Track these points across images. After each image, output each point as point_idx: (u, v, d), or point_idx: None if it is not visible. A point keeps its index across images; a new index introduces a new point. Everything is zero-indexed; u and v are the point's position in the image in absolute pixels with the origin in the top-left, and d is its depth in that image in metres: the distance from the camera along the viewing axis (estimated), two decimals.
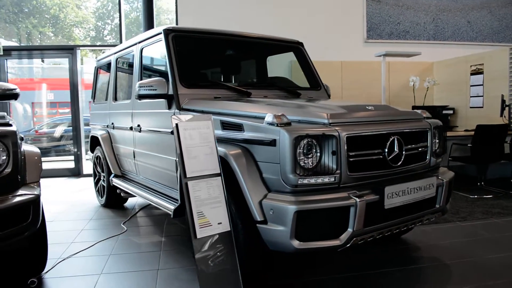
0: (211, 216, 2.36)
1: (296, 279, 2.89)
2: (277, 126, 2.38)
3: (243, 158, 2.50)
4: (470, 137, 5.42)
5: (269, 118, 2.44)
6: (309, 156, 2.37)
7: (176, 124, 2.36)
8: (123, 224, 4.37)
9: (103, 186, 5.12)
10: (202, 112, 3.10)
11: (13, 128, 2.55)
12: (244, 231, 2.50)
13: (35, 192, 2.58)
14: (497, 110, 6.49)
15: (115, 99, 4.82)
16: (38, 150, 2.89)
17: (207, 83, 3.76)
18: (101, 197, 5.20)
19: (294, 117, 2.56)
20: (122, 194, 4.75)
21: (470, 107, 7.18)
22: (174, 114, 3.34)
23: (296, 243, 2.28)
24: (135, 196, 4.59)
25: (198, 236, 2.30)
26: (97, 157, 5.24)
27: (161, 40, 3.63)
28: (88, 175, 7.37)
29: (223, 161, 2.55)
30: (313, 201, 2.31)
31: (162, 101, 3.45)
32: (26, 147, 2.85)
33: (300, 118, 2.57)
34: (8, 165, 2.46)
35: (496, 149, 5.27)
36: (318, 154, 2.40)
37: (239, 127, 2.66)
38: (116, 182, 4.64)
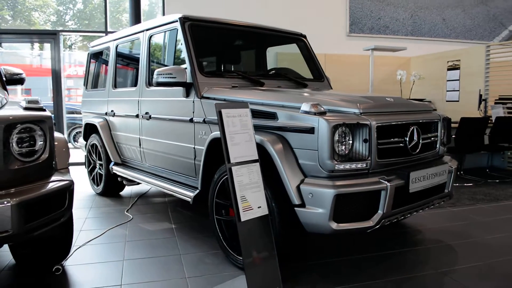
0: (252, 200, 2.46)
1: (304, 261, 3.04)
2: (315, 114, 2.50)
3: (280, 145, 2.61)
4: (452, 128, 5.76)
5: (305, 107, 2.56)
6: (344, 143, 2.51)
7: (220, 111, 2.43)
8: (127, 212, 4.36)
9: (100, 174, 5.06)
10: (225, 100, 3.17)
11: (48, 113, 2.53)
12: (280, 214, 2.62)
13: (69, 178, 2.58)
14: (472, 104, 6.92)
15: (115, 86, 4.77)
16: (65, 136, 2.87)
17: (222, 72, 3.82)
18: (97, 185, 5.14)
19: (326, 107, 2.69)
20: (124, 182, 4.72)
21: (447, 101, 7.60)
22: (193, 102, 3.39)
23: (334, 225, 2.43)
24: (138, 183, 4.59)
25: (242, 219, 2.39)
26: (93, 145, 5.16)
27: (175, 28, 3.64)
28: (72, 164, 7.20)
29: (258, 148, 2.64)
30: (350, 185, 2.46)
31: (179, 89, 3.48)
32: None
33: (331, 108, 2.71)
34: (45, 151, 2.45)
35: (478, 140, 5.64)
36: (351, 141, 2.54)
37: (272, 116, 2.76)
38: (118, 170, 4.61)
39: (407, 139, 2.84)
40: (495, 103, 6.92)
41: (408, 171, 2.68)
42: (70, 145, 7.37)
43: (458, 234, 3.62)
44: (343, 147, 2.51)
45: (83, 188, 5.45)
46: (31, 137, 2.40)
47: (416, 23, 8.74)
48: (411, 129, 2.86)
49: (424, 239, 3.54)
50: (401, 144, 2.83)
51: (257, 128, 2.78)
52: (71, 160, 6.98)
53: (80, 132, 9.44)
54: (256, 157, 2.55)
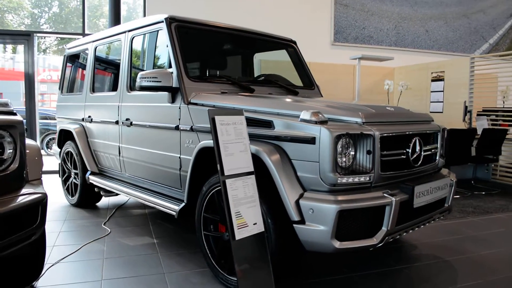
0: (247, 216, 2.25)
1: (296, 280, 2.84)
2: (315, 123, 2.32)
3: (277, 155, 2.41)
4: None
5: (305, 115, 2.38)
6: (346, 155, 2.33)
7: (213, 118, 2.21)
8: (104, 225, 4.07)
9: (75, 184, 4.74)
10: (214, 107, 2.96)
11: (19, 117, 2.26)
12: (276, 231, 2.41)
13: (41, 191, 2.31)
14: (456, 115, 6.91)
15: (93, 90, 4.49)
16: (37, 143, 2.59)
17: (210, 77, 3.61)
18: (72, 196, 4.82)
19: (327, 116, 2.51)
20: (102, 193, 4.42)
21: (430, 112, 7.56)
22: (180, 108, 3.16)
23: (337, 244, 2.23)
24: (117, 194, 4.31)
25: (237, 237, 2.17)
26: (68, 153, 4.84)
27: (161, 29, 3.42)
28: (45, 172, 6.80)
29: (253, 159, 2.43)
30: (353, 200, 2.27)
31: (164, 94, 3.25)
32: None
33: (331, 116, 2.53)
34: (15, 160, 2.18)
35: (465, 152, 5.59)
36: (353, 153, 2.37)
37: (267, 124, 2.56)
38: (95, 180, 4.31)
39: (410, 150, 2.69)
40: (478, 114, 6.93)
41: (413, 185, 2.52)
42: (43, 152, 6.99)
43: (454, 249, 3.49)
44: (346, 159, 2.34)
45: (57, 198, 5.10)
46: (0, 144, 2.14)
47: (399, 33, 8.75)
48: (413, 140, 2.71)
49: (420, 254, 3.39)
50: (403, 156, 2.67)
51: (251, 138, 2.57)
52: (43, 169, 6.61)
53: (53, 138, 9.02)
54: (251, 169, 2.35)
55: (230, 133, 2.28)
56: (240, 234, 2.19)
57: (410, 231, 2.66)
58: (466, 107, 6.35)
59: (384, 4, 8.58)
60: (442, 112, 7.34)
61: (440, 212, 2.98)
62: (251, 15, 7.71)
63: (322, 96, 4.27)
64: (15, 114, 2.28)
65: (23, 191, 2.24)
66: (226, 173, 2.20)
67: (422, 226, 2.80)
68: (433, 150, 2.99)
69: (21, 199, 2.13)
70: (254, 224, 2.27)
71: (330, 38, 8.30)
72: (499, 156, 6.13)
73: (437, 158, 3.05)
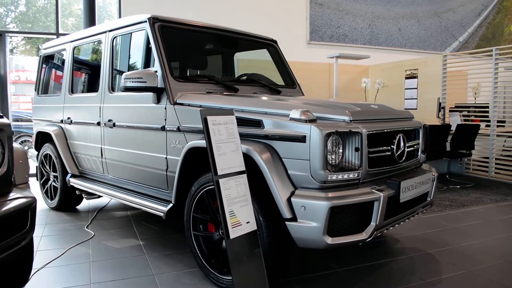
0: (241, 215, 2.27)
1: (284, 277, 2.89)
2: (306, 122, 2.36)
3: (268, 154, 2.44)
4: None
5: (295, 114, 2.41)
6: (336, 152, 2.39)
7: (205, 119, 2.22)
8: (87, 228, 4.00)
9: (55, 187, 4.64)
10: (200, 107, 2.96)
11: (6, 120, 2.21)
12: (268, 229, 2.44)
13: (30, 194, 2.26)
14: (430, 111, 7.11)
15: (72, 91, 4.40)
16: (23, 147, 2.53)
17: (195, 76, 3.60)
18: (51, 199, 4.71)
19: (315, 114, 2.55)
20: (83, 195, 4.34)
21: (405, 109, 7.76)
22: (165, 108, 3.15)
23: (329, 239, 2.28)
24: (99, 196, 4.25)
25: (231, 236, 2.19)
26: (46, 155, 4.73)
27: (143, 29, 3.39)
28: None
29: (244, 158, 2.45)
30: (344, 197, 2.33)
31: (149, 94, 3.23)
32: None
33: (319, 115, 2.57)
34: (3, 164, 2.13)
35: (440, 147, 5.77)
36: (341, 150, 2.42)
37: (256, 123, 2.58)
38: (76, 182, 4.23)
39: (394, 147, 2.77)
40: (451, 111, 7.16)
41: (399, 180, 2.60)
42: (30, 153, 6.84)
43: (435, 242, 3.61)
44: (335, 156, 2.39)
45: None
46: None
47: (373, 32, 8.93)
48: (397, 137, 2.79)
49: (404, 248, 3.49)
50: (388, 153, 2.75)
51: (241, 137, 2.58)
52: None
53: (26, 141, 8.78)
54: (243, 168, 2.37)
55: (222, 133, 2.29)
56: (234, 233, 2.21)
57: (396, 225, 2.74)
58: (440, 104, 6.55)
59: (358, 3, 8.74)
60: (416, 109, 7.54)
61: (423, 206, 3.08)
62: (228, 17, 7.70)
63: (303, 95, 4.33)
64: (1, 117, 2.22)
65: (11, 195, 2.19)
66: (219, 173, 2.22)
67: (406, 220, 2.89)
68: (415, 146, 3.08)
69: (10, 204, 2.09)
70: (247, 222, 2.30)
71: (306, 37, 8.38)
72: (472, 151, 6.35)
73: (419, 153, 3.15)
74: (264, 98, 3.06)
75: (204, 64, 4.06)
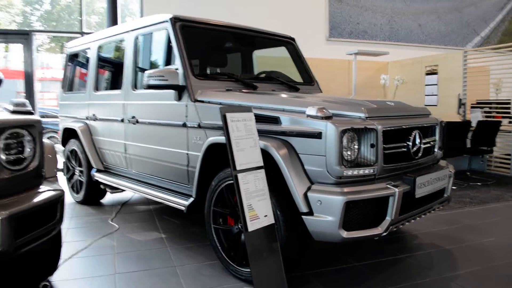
0: (259, 209, 2.35)
1: (302, 270, 2.96)
2: (322, 119, 2.42)
3: (285, 150, 2.51)
4: None
5: (311, 111, 2.48)
6: (351, 148, 2.44)
7: (224, 115, 2.31)
8: (111, 221, 4.15)
9: (80, 181, 4.81)
10: (220, 104, 3.05)
11: (37, 117, 2.34)
12: (285, 223, 2.51)
13: (58, 187, 2.39)
14: (450, 108, 7.05)
15: (97, 89, 4.55)
16: (52, 143, 2.67)
17: (215, 74, 3.69)
18: (77, 193, 4.89)
19: (330, 111, 2.61)
20: (107, 190, 4.50)
21: (425, 105, 7.70)
22: (186, 105, 3.25)
23: (344, 233, 2.34)
24: (122, 191, 4.39)
25: (250, 229, 2.28)
26: (72, 151, 4.91)
27: (165, 29, 3.50)
28: None
29: (262, 154, 2.53)
30: (359, 192, 2.39)
31: (170, 92, 3.33)
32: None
33: (335, 112, 2.63)
34: (35, 158, 2.26)
35: (460, 144, 5.73)
36: (357, 147, 2.48)
37: (274, 120, 2.66)
38: (101, 177, 4.39)
39: (410, 143, 2.80)
40: (472, 107, 7.08)
41: (415, 176, 2.64)
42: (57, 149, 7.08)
43: (453, 238, 3.62)
44: (351, 152, 2.44)
45: None
46: (19, 143, 2.21)
47: (393, 28, 8.87)
48: (413, 134, 2.82)
49: (421, 244, 3.52)
50: (404, 149, 2.79)
51: (259, 133, 2.66)
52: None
53: (52, 136, 9.05)
54: (261, 163, 2.45)
55: (241, 129, 2.37)
56: (252, 226, 2.29)
57: (412, 220, 2.78)
58: (460, 100, 6.48)
59: None
60: (436, 106, 7.48)
61: (440, 202, 3.11)
62: (247, 14, 7.77)
63: (321, 92, 4.37)
64: (33, 113, 2.36)
65: (41, 188, 2.32)
66: (238, 168, 2.30)
67: (423, 216, 2.93)
68: (432, 143, 3.11)
69: (42, 196, 2.21)
70: (265, 216, 2.38)
71: (325, 33, 8.39)
72: (493, 148, 6.28)
73: (435, 150, 3.17)
74: (281, 95, 3.13)
75: (223, 62, 4.15)
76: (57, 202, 2.30)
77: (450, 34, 9.32)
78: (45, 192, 2.27)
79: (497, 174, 6.60)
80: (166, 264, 3.06)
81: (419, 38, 9.10)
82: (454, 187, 5.58)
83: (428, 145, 3.05)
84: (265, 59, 5.73)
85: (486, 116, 6.80)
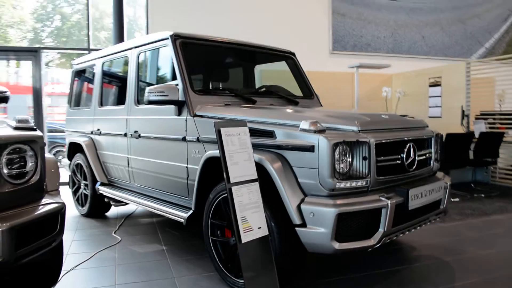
0: (252, 221, 2.40)
1: (299, 281, 2.99)
2: (314, 132, 2.48)
3: (279, 163, 2.57)
4: None
5: (305, 125, 2.54)
6: (344, 161, 2.49)
7: (219, 130, 2.38)
8: (114, 233, 4.22)
9: (85, 194, 4.91)
10: (218, 118, 3.13)
11: (39, 132, 2.44)
12: (280, 234, 2.56)
13: (60, 200, 2.47)
14: (454, 119, 7.06)
15: (101, 104, 4.67)
16: (56, 157, 2.76)
17: (214, 90, 3.78)
18: (82, 206, 4.98)
19: (324, 125, 2.66)
20: (111, 203, 4.59)
21: (429, 117, 7.72)
22: (186, 120, 3.33)
23: (336, 245, 2.38)
24: (126, 204, 4.47)
25: (243, 240, 2.33)
26: (77, 165, 5.02)
27: (166, 46, 3.60)
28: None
29: (256, 167, 2.59)
30: (351, 204, 2.43)
31: (171, 107, 3.42)
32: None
33: (329, 125, 2.68)
34: (36, 172, 2.35)
35: (463, 155, 5.73)
36: (350, 159, 2.53)
37: (269, 134, 2.72)
38: (105, 190, 4.48)
39: (404, 156, 2.85)
40: (476, 118, 7.07)
41: (408, 188, 2.67)
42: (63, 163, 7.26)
43: (452, 250, 3.62)
44: (343, 165, 2.49)
45: (67, 209, 5.25)
46: (22, 158, 2.31)
47: (396, 40, 8.94)
48: (407, 146, 2.87)
49: (419, 255, 3.53)
50: (398, 161, 2.83)
51: (255, 147, 2.72)
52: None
53: (61, 150, 9.21)
54: (255, 176, 2.51)
55: (235, 143, 2.44)
56: (246, 237, 2.34)
57: (407, 232, 2.81)
58: (463, 111, 6.50)
59: (380, 12, 8.78)
60: (440, 117, 7.49)
61: (436, 214, 3.13)
62: (251, 28, 7.91)
63: (321, 105, 4.44)
64: (35, 129, 2.45)
65: (43, 201, 2.41)
66: (232, 181, 2.36)
67: (418, 228, 2.95)
68: (427, 155, 3.14)
69: (43, 208, 2.30)
70: (259, 228, 2.43)
71: (329, 47, 8.48)
72: (497, 159, 6.26)
73: (431, 162, 3.21)
74: (277, 109, 3.20)
75: (224, 77, 4.25)
76: (57, 214, 2.38)
77: (454, 45, 9.36)
78: (46, 205, 2.35)
79: (501, 186, 6.57)
80: (165, 276, 3.11)
81: (423, 50, 9.15)
82: (457, 199, 5.60)
83: (424, 157, 3.08)
84: (270, 73, 5.83)
85: (490, 127, 6.80)
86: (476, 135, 5.97)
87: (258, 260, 2.40)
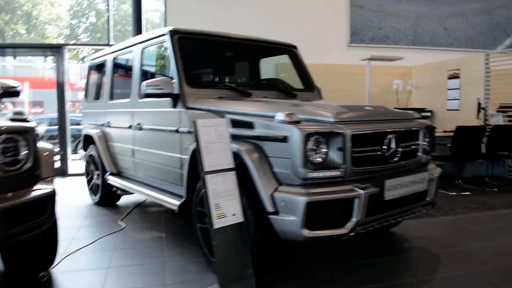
0: (227, 208, 2.51)
1: (300, 268, 3.07)
2: (289, 123, 2.55)
3: (255, 154, 2.66)
4: (449, 137, 5.74)
5: (280, 116, 2.62)
6: (318, 151, 2.55)
7: (195, 121, 2.49)
8: (120, 221, 4.44)
9: (97, 184, 5.16)
10: (209, 111, 3.24)
11: (32, 124, 2.63)
12: (255, 222, 2.66)
13: (51, 187, 2.66)
14: (473, 112, 6.87)
15: (111, 98, 4.89)
16: (51, 146, 2.96)
17: (210, 83, 3.90)
18: (94, 195, 5.25)
19: (302, 116, 2.73)
20: (118, 192, 4.81)
21: (447, 110, 7.56)
22: (179, 112, 3.47)
23: (306, 232, 2.46)
24: (131, 193, 4.68)
25: (215, 226, 2.44)
26: (90, 156, 5.28)
27: (165, 41, 3.75)
28: (74, 175, 7.36)
29: (235, 157, 2.70)
30: (321, 193, 2.49)
31: (167, 100, 3.57)
32: (39, 143, 2.91)
33: (307, 117, 2.75)
34: (28, 160, 2.54)
35: (474, 149, 5.60)
36: (325, 150, 2.58)
37: (249, 125, 2.82)
38: (112, 179, 4.71)
39: (385, 147, 2.87)
40: (496, 111, 6.86)
41: (383, 179, 2.71)
42: (76, 155, 7.62)
43: (445, 243, 3.60)
44: (318, 155, 2.55)
45: (82, 198, 5.55)
46: (15, 146, 2.50)
47: (417, 32, 8.75)
48: (388, 137, 2.88)
49: (410, 247, 3.54)
50: (378, 152, 2.85)
51: (236, 137, 2.83)
52: (75, 171, 7.19)
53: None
54: (232, 165, 2.61)
55: (211, 134, 2.55)
56: (219, 223, 2.46)
57: (386, 223, 2.84)
58: (479, 104, 6.33)
59: (401, 3, 8.62)
60: (459, 110, 7.31)
61: (422, 206, 3.13)
62: (269, 20, 7.95)
63: (321, 98, 4.47)
64: (28, 121, 2.65)
65: (36, 187, 2.61)
66: (206, 169, 2.48)
67: (400, 219, 2.98)
68: (413, 147, 3.14)
69: (33, 193, 2.49)
70: (233, 214, 2.53)
71: (347, 39, 8.43)
72: None
73: (419, 154, 3.20)
74: (261, 102, 3.29)
75: (223, 71, 4.36)
76: (47, 199, 2.57)
77: (479, 36, 9.05)
78: (36, 190, 2.54)
79: None
80: (157, 261, 3.28)
81: (446, 41, 8.91)
82: (467, 193, 5.49)
83: (409, 148, 3.09)
84: (286, 66, 5.88)
85: (510, 121, 6.58)
86: None
87: (231, 245, 2.51)
